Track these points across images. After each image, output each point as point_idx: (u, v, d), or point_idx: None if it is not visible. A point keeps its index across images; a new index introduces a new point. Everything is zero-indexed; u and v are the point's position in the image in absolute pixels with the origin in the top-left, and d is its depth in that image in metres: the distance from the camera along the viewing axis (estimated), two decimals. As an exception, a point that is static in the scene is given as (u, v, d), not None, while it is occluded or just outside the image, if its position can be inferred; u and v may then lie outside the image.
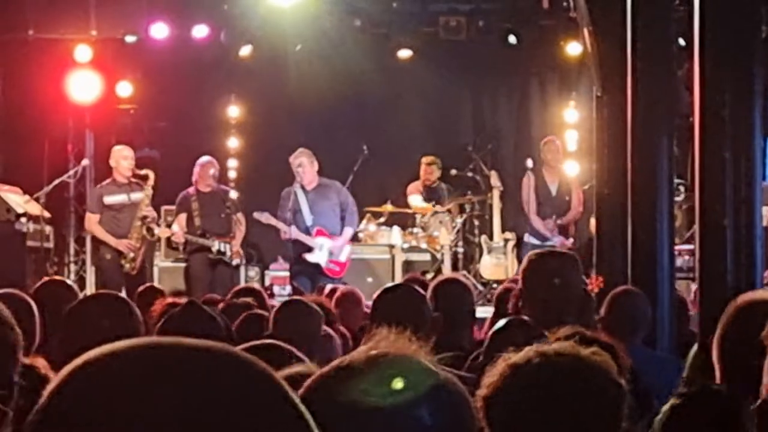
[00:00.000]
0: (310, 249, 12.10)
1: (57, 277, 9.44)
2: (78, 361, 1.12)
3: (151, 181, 12.39)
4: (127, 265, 12.16)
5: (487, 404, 2.28)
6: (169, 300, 6.43)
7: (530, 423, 2.30)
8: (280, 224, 12.26)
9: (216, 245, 12.49)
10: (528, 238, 12.91)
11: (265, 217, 12.43)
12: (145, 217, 12.27)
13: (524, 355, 2.36)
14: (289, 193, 12.22)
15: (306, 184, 12.24)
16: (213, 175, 12.95)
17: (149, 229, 12.21)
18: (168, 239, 14.14)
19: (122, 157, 12.55)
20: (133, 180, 12.48)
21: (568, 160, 15.59)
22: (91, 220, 12.57)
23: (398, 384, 1.54)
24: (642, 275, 7.85)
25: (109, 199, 12.40)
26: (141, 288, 8.81)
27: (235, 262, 12.64)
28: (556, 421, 2.30)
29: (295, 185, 12.29)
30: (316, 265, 12.03)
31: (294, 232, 12.11)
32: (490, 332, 4.06)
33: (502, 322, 4.13)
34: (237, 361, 1.13)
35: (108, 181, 12.65)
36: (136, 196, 12.37)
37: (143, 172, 12.45)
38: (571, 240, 13.04)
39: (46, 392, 1.11)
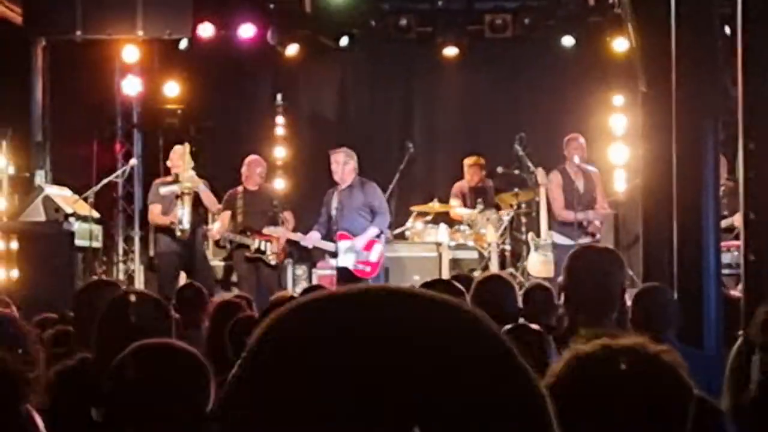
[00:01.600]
0: (336, 254, 12.09)
1: (105, 277, 9.50)
2: (293, 304, 1.12)
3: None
4: (179, 233, 12.27)
5: (550, 393, 2.26)
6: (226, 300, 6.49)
7: (591, 415, 2.27)
8: (296, 235, 12.33)
9: (255, 243, 12.52)
10: (558, 238, 12.75)
11: (275, 232, 12.46)
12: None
13: (592, 346, 2.34)
14: (328, 195, 12.21)
15: (339, 184, 12.19)
16: (260, 174, 13.01)
17: (182, 231, 12.32)
18: (216, 239, 14.23)
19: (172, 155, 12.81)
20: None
21: (616, 167, 15.56)
22: (153, 211, 12.73)
23: None
24: (688, 272, 7.79)
25: (163, 190, 12.58)
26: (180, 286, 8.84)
27: (273, 261, 12.64)
28: (618, 416, 2.27)
29: (334, 187, 12.27)
30: (347, 269, 11.98)
31: (313, 240, 12.12)
32: None
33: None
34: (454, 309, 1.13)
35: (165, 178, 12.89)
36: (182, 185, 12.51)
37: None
38: (598, 236, 12.92)
39: (256, 334, 1.11)
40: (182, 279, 12.18)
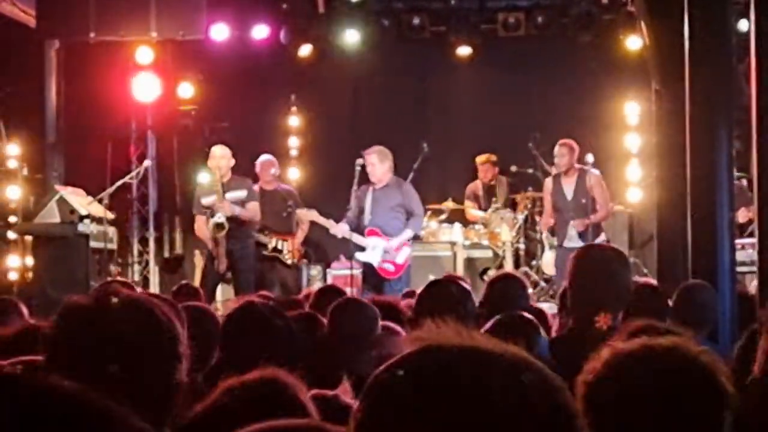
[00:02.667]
0: (363, 248, 12.01)
1: (119, 278, 9.51)
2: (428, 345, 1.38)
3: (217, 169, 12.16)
4: (218, 267, 12.03)
5: (588, 389, 2.25)
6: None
7: (628, 413, 2.26)
8: (327, 222, 12.15)
9: (273, 242, 12.50)
10: (567, 242, 12.56)
11: (309, 215, 12.35)
12: (208, 208, 12.10)
13: (630, 345, 2.33)
14: (362, 192, 12.10)
15: (375, 183, 12.09)
16: (273, 174, 13.00)
17: (217, 226, 12.03)
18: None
19: (211, 157, 12.41)
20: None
21: (631, 157, 15.51)
22: (197, 222, 12.45)
23: None
24: (702, 269, 7.77)
25: (205, 201, 12.30)
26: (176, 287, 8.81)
27: (290, 261, 12.63)
28: (654, 415, 2.26)
29: (369, 184, 12.16)
30: (371, 266, 11.93)
31: (344, 231, 11.95)
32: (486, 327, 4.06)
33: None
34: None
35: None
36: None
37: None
38: (603, 237, 12.72)
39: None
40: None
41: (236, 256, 12.06)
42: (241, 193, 12.20)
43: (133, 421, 1.33)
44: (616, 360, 2.30)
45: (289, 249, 12.59)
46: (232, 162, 12.27)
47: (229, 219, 11.90)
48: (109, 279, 10.84)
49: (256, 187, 12.68)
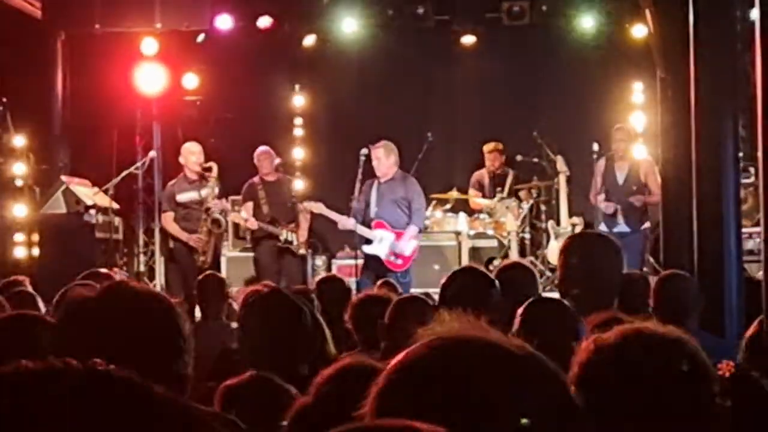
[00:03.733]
0: (370, 241, 12.02)
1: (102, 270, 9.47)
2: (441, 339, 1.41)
3: (214, 173, 12.37)
4: (200, 260, 12.18)
5: (576, 384, 2.28)
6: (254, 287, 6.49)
7: (616, 401, 2.28)
8: (333, 214, 12.17)
9: (284, 234, 12.51)
10: (602, 227, 12.69)
11: (316, 207, 12.36)
12: (208, 209, 12.26)
13: (610, 334, 2.37)
14: (368, 185, 12.11)
15: (380, 177, 12.10)
16: (274, 164, 12.99)
17: (215, 221, 12.20)
18: (236, 229, 14.23)
19: (190, 153, 12.54)
20: (203, 175, 12.47)
21: (636, 143, 15.49)
22: (167, 218, 12.59)
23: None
24: (709, 258, 7.76)
25: (181, 197, 12.42)
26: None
27: (301, 251, 12.66)
28: (642, 398, 2.29)
29: (375, 178, 12.17)
30: (377, 258, 11.93)
31: (349, 223, 11.98)
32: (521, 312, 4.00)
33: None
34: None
35: (179, 177, 12.65)
36: (205, 192, 12.36)
37: (207, 164, 12.43)
38: (648, 224, 12.81)
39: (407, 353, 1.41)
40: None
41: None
42: (207, 190, 12.40)
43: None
44: (597, 351, 2.33)
45: (298, 240, 12.60)
46: (202, 158, 12.39)
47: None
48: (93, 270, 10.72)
49: (256, 179, 12.73)
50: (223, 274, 12.22)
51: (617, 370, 2.31)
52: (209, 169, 12.40)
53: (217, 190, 12.40)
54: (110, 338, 2.54)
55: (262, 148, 13.06)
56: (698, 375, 2.32)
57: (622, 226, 12.45)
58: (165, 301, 2.71)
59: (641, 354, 2.33)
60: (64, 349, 2.60)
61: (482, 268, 5.87)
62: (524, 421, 1.29)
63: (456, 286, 4.94)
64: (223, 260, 13.52)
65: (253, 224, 12.56)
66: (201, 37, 14.70)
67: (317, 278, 9.57)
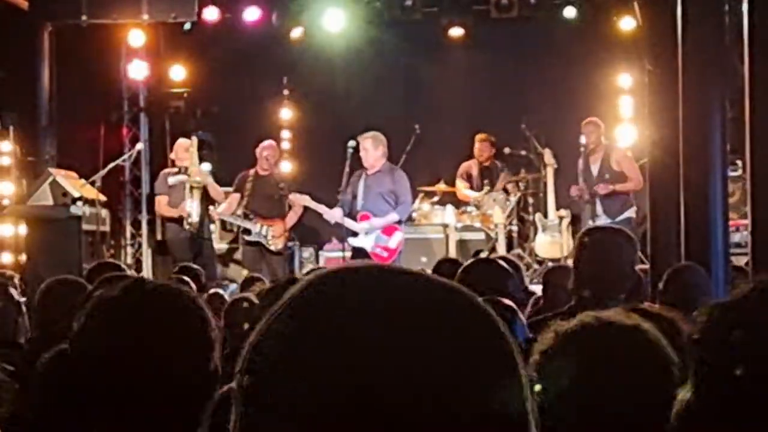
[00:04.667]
0: (356, 234, 12.00)
1: (109, 260, 9.51)
2: (323, 273, 1.21)
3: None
4: (188, 226, 12.28)
5: (536, 372, 2.29)
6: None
7: (576, 390, 2.29)
8: (320, 207, 12.16)
9: (256, 228, 12.49)
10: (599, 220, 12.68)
11: (302, 200, 12.35)
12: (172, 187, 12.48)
13: (573, 323, 2.38)
14: (356, 177, 12.09)
15: (367, 168, 12.07)
16: (266, 158, 12.96)
17: (194, 187, 12.38)
18: (223, 222, 14.23)
19: (175, 150, 12.81)
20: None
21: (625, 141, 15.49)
22: (160, 202, 12.79)
23: None
24: (696, 249, 7.78)
25: (171, 180, 12.63)
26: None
27: (273, 246, 12.59)
28: (602, 387, 2.30)
29: (363, 170, 12.15)
30: (363, 250, 11.91)
31: (336, 216, 11.96)
32: None
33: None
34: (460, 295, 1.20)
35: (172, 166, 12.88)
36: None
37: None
38: (631, 214, 12.81)
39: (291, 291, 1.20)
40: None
41: (198, 245, 12.37)
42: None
43: None
44: (557, 339, 2.34)
45: (273, 234, 12.55)
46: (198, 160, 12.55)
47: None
48: (97, 261, 10.78)
49: (250, 171, 12.74)
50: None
51: (577, 360, 2.31)
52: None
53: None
54: (148, 340, 2.50)
55: (267, 142, 13.06)
56: (656, 364, 2.33)
57: (602, 218, 12.47)
58: (195, 300, 2.66)
59: (600, 343, 2.34)
60: (97, 349, 2.57)
61: (500, 260, 5.80)
62: (537, 387, 1.23)
63: (472, 277, 4.90)
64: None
65: (214, 215, 12.79)
66: (188, 25, 14.65)
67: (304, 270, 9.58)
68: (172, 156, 12.90)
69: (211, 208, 12.79)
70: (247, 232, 12.58)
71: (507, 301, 4.39)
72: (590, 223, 12.29)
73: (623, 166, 12.68)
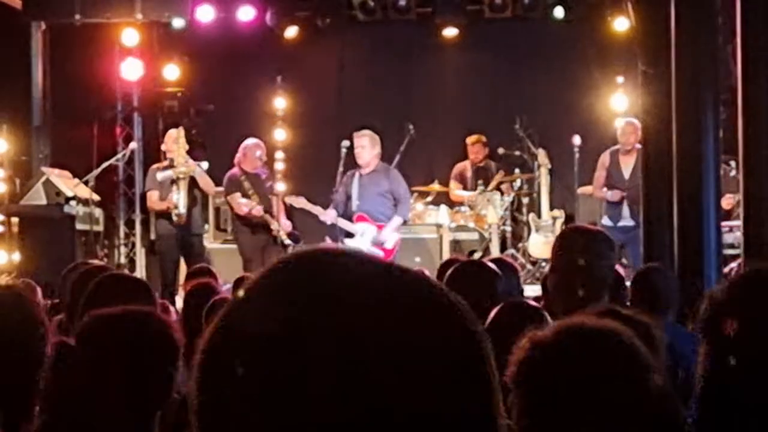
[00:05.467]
0: (352, 235, 11.96)
1: (95, 262, 9.45)
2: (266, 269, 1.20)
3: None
4: (175, 218, 12.10)
5: (513, 382, 2.28)
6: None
7: (553, 399, 2.29)
8: (315, 208, 12.08)
9: (275, 224, 12.36)
10: (604, 220, 12.58)
11: (297, 202, 12.28)
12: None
13: (546, 331, 2.37)
14: (349, 177, 12.04)
15: (362, 167, 12.02)
16: (259, 157, 12.88)
17: (179, 177, 12.17)
18: (217, 221, 14.19)
19: (165, 141, 12.59)
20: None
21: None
22: (151, 197, 12.53)
23: None
24: (689, 251, 7.78)
25: (159, 176, 12.40)
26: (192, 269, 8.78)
27: (288, 241, 12.56)
28: (577, 394, 2.28)
29: (356, 169, 12.08)
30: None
31: (332, 217, 11.91)
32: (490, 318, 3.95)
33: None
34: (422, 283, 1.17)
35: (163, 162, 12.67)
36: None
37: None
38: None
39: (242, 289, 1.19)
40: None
41: (188, 242, 12.24)
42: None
43: None
44: (531, 349, 2.32)
45: (282, 229, 12.49)
46: (186, 147, 12.35)
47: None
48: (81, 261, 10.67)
49: (237, 171, 12.60)
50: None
51: (553, 367, 2.30)
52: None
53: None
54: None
55: (250, 140, 12.89)
56: (634, 367, 2.32)
57: (627, 220, 12.33)
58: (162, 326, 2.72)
59: (576, 349, 2.32)
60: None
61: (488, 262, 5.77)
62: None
63: (460, 279, 4.86)
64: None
65: (259, 211, 12.34)
66: (178, 23, 14.62)
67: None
68: (163, 147, 12.68)
69: (238, 201, 12.50)
70: (259, 230, 12.39)
71: (533, 303, 4.35)
72: (603, 223, 12.24)
73: None
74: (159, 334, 2.87)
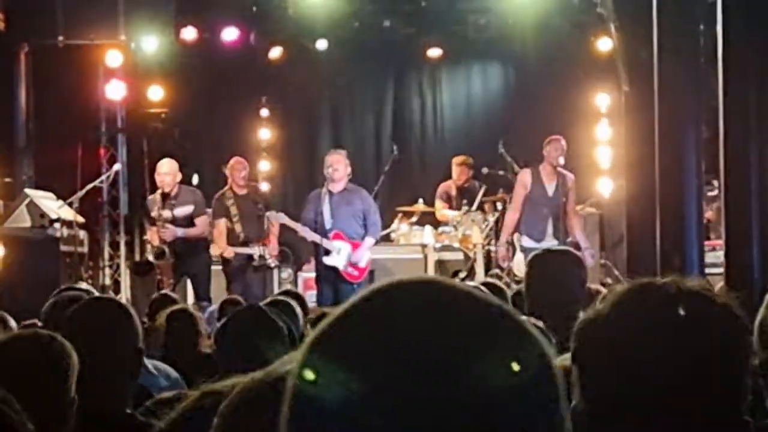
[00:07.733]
0: (328, 252, 11.96)
1: (81, 285, 9.42)
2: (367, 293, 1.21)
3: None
4: (150, 256, 12.09)
5: (589, 325, 2.06)
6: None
7: (630, 352, 2.00)
8: (296, 225, 12.09)
9: (257, 251, 12.28)
10: (524, 240, 12.22)
11: (279, 218, 12.27)
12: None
13: (628, 285, 2.10)
14: (316, 195, 12.05)
15: (333, 187, 12.02)
16: (244, 176, 12.83)
17: (158, 255, 12.17)
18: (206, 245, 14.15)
19: (156, 173, 12.47)
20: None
21: (601, 168, 15.50)
22: (150, 232, 12.51)
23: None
24: (671, 270, 7.80)
25: (154, 214, 12.30)
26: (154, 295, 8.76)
27: (273, 263, 12.54)
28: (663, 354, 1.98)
29: (324, 187, 12.10)
30: (335, 269, 11.88)
31: (309, 234, 11.92)
32: None
33: None
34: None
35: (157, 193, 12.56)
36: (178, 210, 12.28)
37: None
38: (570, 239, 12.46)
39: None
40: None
41: (192, 272, 12.20)
42: (188, 209, 12.18)
43: None
44: (617, 299, 2.06)
45: (270, 253, 12.44)
46: (179, 176, 12.26)
47: (178, 239, 12.01)
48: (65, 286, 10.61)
49: (227, 192, 12.54)
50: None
51: (629, 322, 2.02)
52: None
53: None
54: None
55: (233, 160, 12.86)
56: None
57: (550, 238, 11.96)
58: None
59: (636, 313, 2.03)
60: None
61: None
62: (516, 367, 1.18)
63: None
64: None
65: (230, 254, 12.32)
66: (164, 44, 14.63)
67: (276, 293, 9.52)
68: (157, 177, 12.50)
69: (213, 246, 12.47)
70: (251, 258, 12.35)
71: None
72: (522, 244, 12.06)
73: (570, 195, 12.18)
74: (47, 355, 2.91)
